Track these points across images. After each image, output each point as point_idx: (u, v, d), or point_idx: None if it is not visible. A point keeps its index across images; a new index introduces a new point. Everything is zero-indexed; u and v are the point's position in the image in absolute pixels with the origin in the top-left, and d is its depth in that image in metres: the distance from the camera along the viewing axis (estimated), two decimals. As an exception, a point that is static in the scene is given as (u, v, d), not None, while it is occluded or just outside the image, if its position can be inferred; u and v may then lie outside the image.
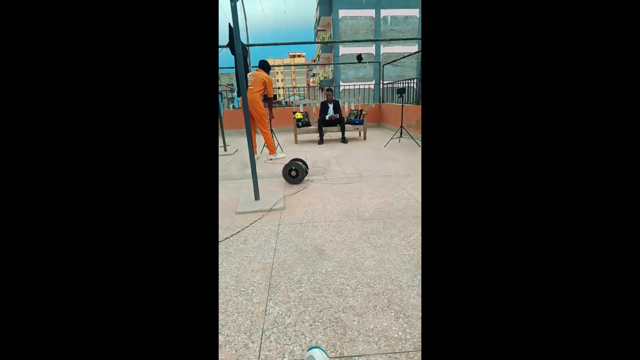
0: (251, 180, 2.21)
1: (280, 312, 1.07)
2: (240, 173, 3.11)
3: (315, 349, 0.73)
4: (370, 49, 19.41)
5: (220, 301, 1.14)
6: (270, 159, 3.79)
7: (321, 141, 4.98)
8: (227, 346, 0.93)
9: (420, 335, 0.94)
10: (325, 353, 0.74)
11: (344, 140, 4.98)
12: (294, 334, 0.97)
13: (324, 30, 23.39)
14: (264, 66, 3.78)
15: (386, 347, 0.90)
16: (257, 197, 2.21)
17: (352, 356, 0.88)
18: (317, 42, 6.26)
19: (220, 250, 1.54)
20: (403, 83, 5.97)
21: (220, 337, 0.97)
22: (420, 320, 1.00)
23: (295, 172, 2.63)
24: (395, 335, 0.94)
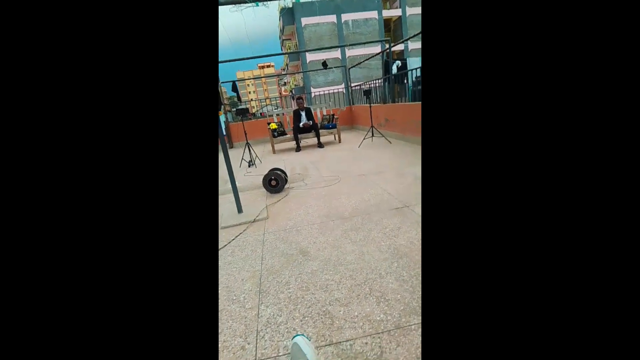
0: (232, 194, 2.27)
1: (272, 313, 1.15)
2: (221, 188, 3.14)
3: (299, 336, 0.81)
4: (336, 54, 19.80)
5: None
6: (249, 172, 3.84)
7: (298, 148, 5.08)
8: (224, 351, 1.00)
9: (399, 315, 1.05)
10: (308, 339, 0.82)
11: (320, 145, 5.11)
12: (286, 330, 1.05)
13: (289, 39, 23.65)
14: None
15: (370, 330, 1.00)
16: (239, 210, 2.27)
17: (340, 342, 0.97)
18: (283, 54, 6.39)
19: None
20: (369, 84, 6.20)
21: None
22: (399, 301, 1.11)
23: (275, 182, 2.71)
24: (378, 318, 1.04)
